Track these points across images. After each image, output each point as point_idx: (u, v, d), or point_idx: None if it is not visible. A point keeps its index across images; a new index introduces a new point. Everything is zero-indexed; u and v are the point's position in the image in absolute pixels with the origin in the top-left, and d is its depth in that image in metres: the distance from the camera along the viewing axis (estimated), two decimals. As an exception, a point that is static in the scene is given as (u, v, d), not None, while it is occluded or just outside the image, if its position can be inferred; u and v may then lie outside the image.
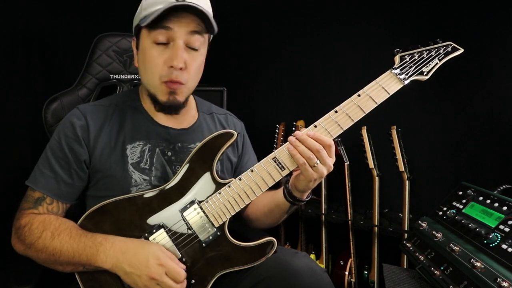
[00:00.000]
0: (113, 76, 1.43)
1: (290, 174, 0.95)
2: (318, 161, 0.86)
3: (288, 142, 0.90)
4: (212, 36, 1.02)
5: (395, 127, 1.63)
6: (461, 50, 1.01)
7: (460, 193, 1.17)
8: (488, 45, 1.61)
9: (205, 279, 0.90)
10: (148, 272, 0.82)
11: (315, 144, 0.86)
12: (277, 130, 1.91)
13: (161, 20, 0.90)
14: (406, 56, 1.00)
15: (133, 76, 1.45)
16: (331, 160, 0.88)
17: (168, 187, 0.94)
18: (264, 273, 0.86)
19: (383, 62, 1.00)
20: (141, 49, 0.97)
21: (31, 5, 1.68)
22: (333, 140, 0.89)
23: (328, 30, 1.93)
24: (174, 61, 0.91)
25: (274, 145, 1.89)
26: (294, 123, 1.81)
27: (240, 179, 0.93)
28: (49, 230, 0.88)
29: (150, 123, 1.03)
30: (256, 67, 2.12)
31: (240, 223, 1.18)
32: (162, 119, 1.04)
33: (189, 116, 1.10)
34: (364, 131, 1.67)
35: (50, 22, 1.78)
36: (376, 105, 0.93)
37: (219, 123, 1.16)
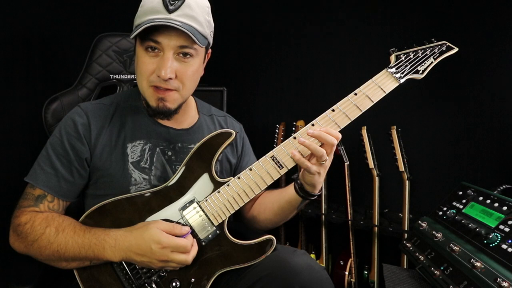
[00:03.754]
0: (113, 76, 1.43)
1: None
2: (327, 157, 0.88)
3: (290, 140, 0.91)
4: (211, 40, 1.01)
5: (395, 127, 1.63)
6: (456, 49, 1.02)
7: (460, 193, 1.17)
8: (488, 45, 1.61)
9: (205, 277, 0.90)
10: (156, 257, 0.85)
11: (331, 139, 0.87)
12: (277, 130, 1.91)
13: (150, 33, 0.89)
14: (401, 55, 1.01)
15: (133, 76, 1.45)
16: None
17: (167, 186, 0.94)
18: (263, 271, 0.86)
19: (381, 61, 1.00)
20: (136, 54, 0.97)
21: (31, 5, 1.69)
22: None
23: (327, 31, 1.93)
24: (161, 71, 0.90)
25: (274, 145, 1.88)
26: (294, 123, 1.81)
27: (239, 178, 0.93)
28: (52, 226, 0.88)
29: (151, 122, 1.03)
30: (256, 67, 2.12)
31: (244, 224, 1.17)
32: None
33: (189, 117, 1.10)
34: (364, 131, 1.67)
35: (50, 22, 1.78)
36: (373, 104, 0.93)
37: (218, 124, 1.16)
